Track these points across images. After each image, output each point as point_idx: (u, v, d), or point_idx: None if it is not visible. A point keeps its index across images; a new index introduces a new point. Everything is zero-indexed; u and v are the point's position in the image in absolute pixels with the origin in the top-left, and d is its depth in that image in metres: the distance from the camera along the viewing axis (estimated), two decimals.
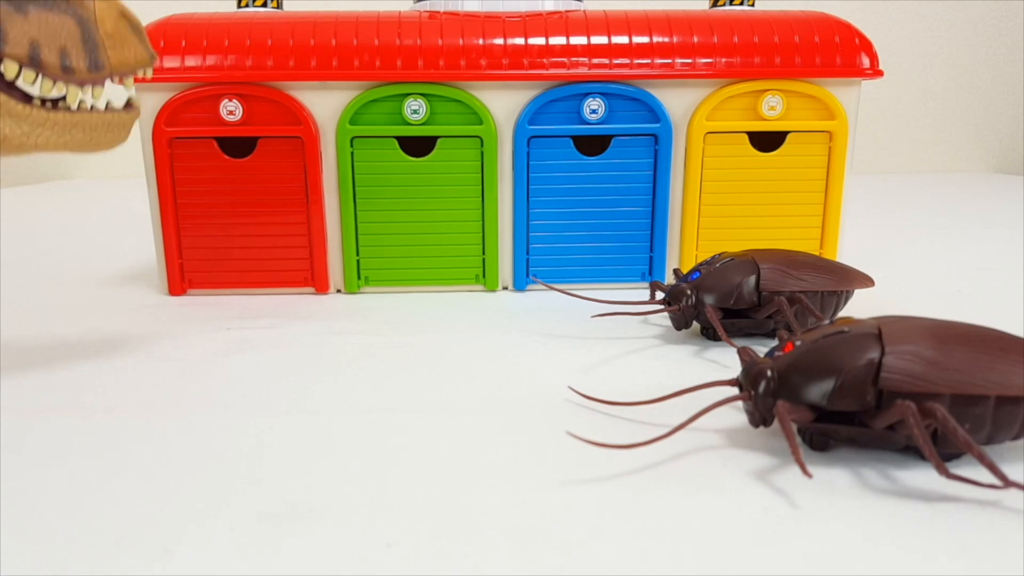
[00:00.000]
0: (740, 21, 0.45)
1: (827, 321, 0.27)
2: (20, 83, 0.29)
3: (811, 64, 0.44)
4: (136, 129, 0.54)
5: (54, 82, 0.29)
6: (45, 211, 0.76)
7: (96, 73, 0.29)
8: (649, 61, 0.44)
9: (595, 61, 0.43)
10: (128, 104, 0.32)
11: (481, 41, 0.43)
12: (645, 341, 0.37)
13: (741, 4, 0.48)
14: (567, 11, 0.46)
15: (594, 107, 0.44)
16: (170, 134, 0.43)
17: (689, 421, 0.24)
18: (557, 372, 0.33)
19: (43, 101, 0.29)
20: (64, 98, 0.30)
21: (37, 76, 0.28)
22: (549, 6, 0.46)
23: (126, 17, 0.30)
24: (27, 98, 0.29)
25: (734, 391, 0.30)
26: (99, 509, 0.22)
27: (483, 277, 0.46)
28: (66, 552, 0.20)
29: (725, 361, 0.35)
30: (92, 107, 0.30)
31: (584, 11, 0.45)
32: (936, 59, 1.19)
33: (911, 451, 0.25)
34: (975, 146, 1.23)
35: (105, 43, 0.29)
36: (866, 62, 0.44)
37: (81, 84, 0.29)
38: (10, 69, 0.28)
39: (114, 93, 0.31)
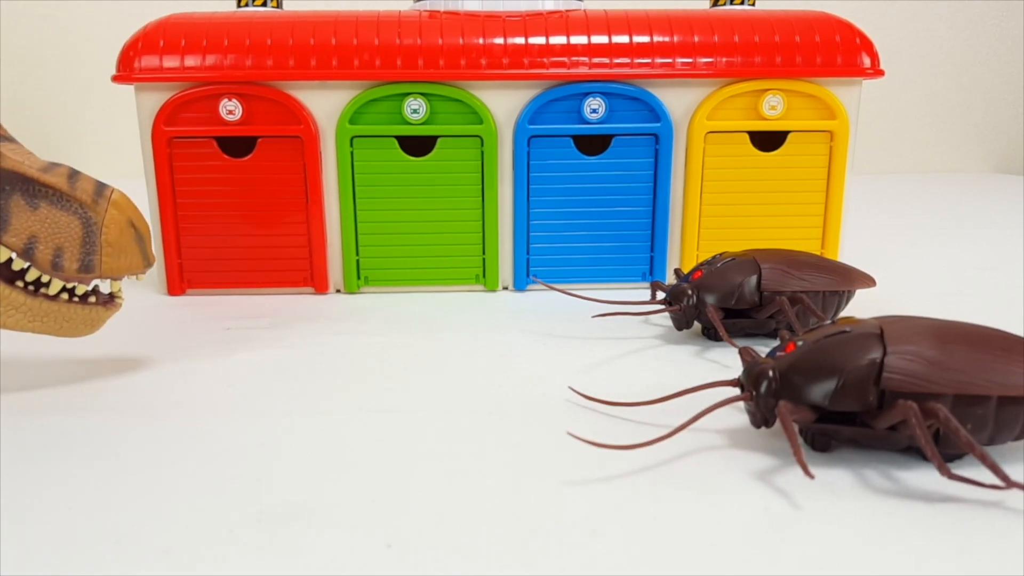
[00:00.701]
0: (741, 21, 0.45)
1: (829, 321, 0.27)
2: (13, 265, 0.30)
3: (812, 64, 0.44)
4: (137, 129, 0.53)
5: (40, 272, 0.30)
6: None
7: (85, 274, 0.30)
8: (649, 60, 0.43)
9: (595, 60, 0.43)
10: (111, 297, 0.32)
11: (481, 41, 0.43)
12: (646, 341, 0.37)
13: (742, 4, 0.48)
14: (567, 10, 0.45)
15: (594, 107, 0.44)
16: (169, 134, 0.43)
17: (690, 421, 0.24)
18: (557, 372, 0.33)
19: (26, 284, 0.30)
20: (45, 284, 0.30)
21: (27, 266, 0.30)
22: (549, 5, 0.46)
23: (134, 226, 0.31)
24: (11, 279, 0.30)
25: (735, 391, 0.30)
26: (99, 509, 0.22)
27: (483, 277, 0.46)
28: (66, 552, 0.20)
29: (726, 361, 0.35)
30: (72, 297, 0.31)
31: (584, 10, 0.45)
32: (936, 59, 1.18)
33: (913, 451, 0.25)
34: (976, 146, 1.23)
35: (104, 249, 0.30)
36: (867, 62, 0.44)
37: (67, 281, 0.30)
38: (2, 254, 0.29)
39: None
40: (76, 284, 0.31)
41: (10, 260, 0.30)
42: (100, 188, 0.30)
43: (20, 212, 0.29)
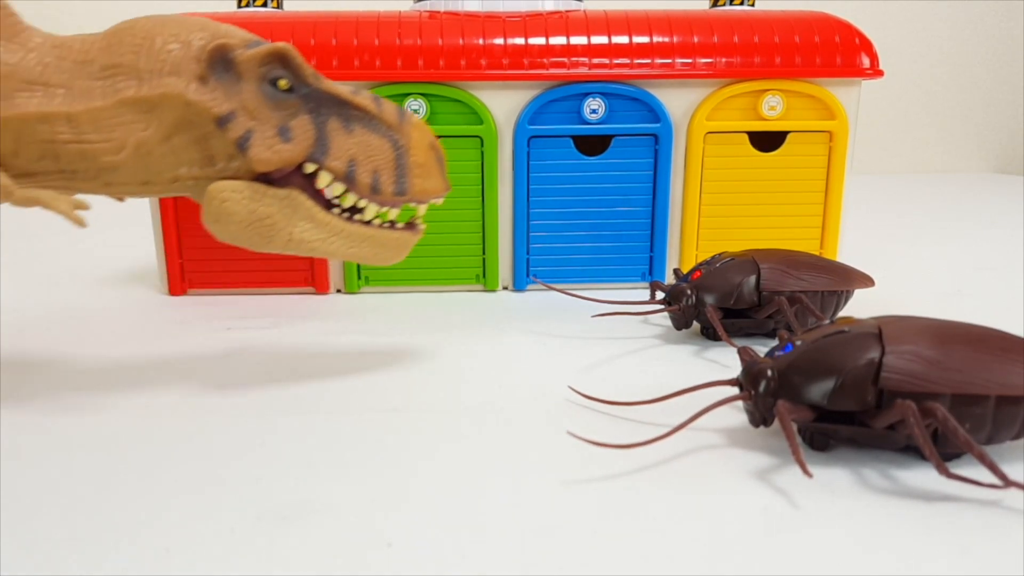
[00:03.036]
0: (740, 21, 0.45)
1: (827, 321, 0.27)
2: (326, 192, 0.30)
3: (811, 64, 0.44)
4: None
5: (358, 197, 0.30)
6: (45, 211, 0.76)
7: (399, 197, 0.30)
8: (649, 61, 0.44)
9: (595, 61, 0.43)
10: (411, 224, 0.32)
11: (481, 41, 0.43)
12: (645, 341, 0.37)
13: (741, 4, 0.48)
14: (567, 11, 0.46)
15: (594, 107, 0.44)
16: None
17: (689, 421, 0.24)
18: (557, 372, 0.33)
19: (341, 210, 0.30)
20: (359, 209, 0.30)
21: (346, 191, 0.30)
22: (549, 6, 0.46)
23: (435, 148, 0.31)
24: (328, 205, 0.30)
25: (734, 391, 0.30)
26: (99, 509, 0.22)
27: (483, 277, 0.46)
28: (66, 552, 0.20)
29: (725, 361, 0.35)
30: (383, 223, 0.31)
31: (584, 11, 0.45)
32: (936, 59, 1.18)
33: (911, 451, 0.25)
34: (975, 146, 1.23)
35: (414, 171, 0.30)
36: (866, 62, 0.44)
37: (382, 205, 0.30)
38: (323, 179, 0.29)
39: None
40: (388, 209, 0.31)
41: (323, 190, 0.30)
42: (401, 110, 0.30)
43: (338, 135, 0.29)
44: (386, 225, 0.31)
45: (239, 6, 0.47)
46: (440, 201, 0.32)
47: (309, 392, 0.31)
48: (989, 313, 0.42)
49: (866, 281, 0.38)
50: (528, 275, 0.47)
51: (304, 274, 0.46)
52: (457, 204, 0.45)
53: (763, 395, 0.25)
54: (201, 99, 0.27)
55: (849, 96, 0.45)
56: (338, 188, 0.29)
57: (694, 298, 0.36)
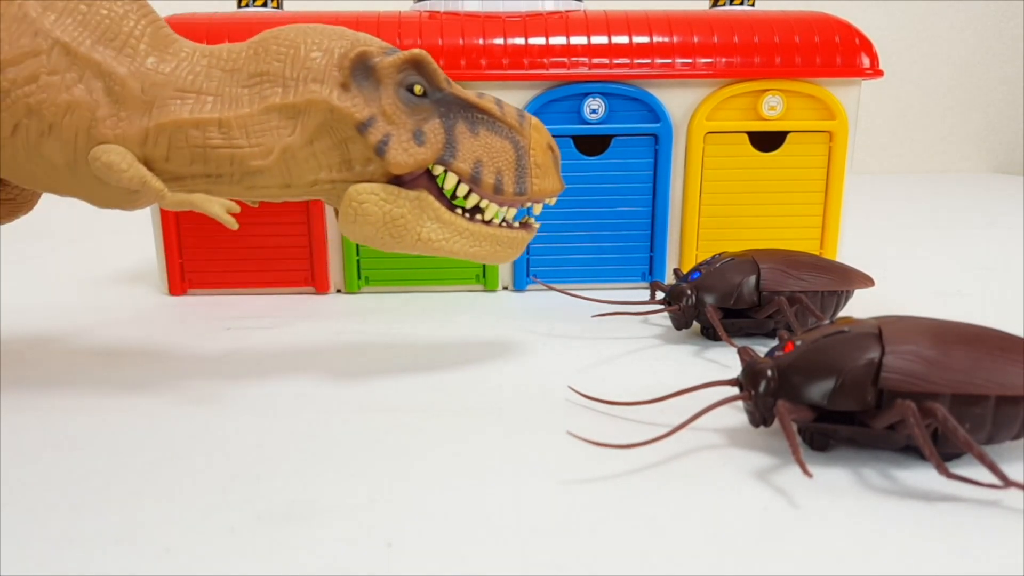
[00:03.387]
0: (740, 21, 0.45)
1: (827, 321, 0.27)
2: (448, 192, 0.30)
3: (811, 64, 0.44)
4: None
5: (480, 198, 0.31)
6: (45, 211, 0.76)
7: (519, 197, 0.31)
8: (649, 61, 0.44)
9: (595, 61, 0.43)
10: (526, 223, 0.33)
11: (481, 41, 0.43)
12: (645, 341, 0.37)
13: (741, 4, 0.48)
14: (567, 11, 0.46)
15: (594, 107, 0.44)
16: None
17: (689, 421, 0.24)
18: (557, 372, 0.33)
19: (463, 210, 0.31)
20: (479, 210, 0.31)
21: (469, 191, 0.30)
22: (549, 6, 0.46)
23: (552, 149, 0.32)
24: (451, 206, 0.31)
25: (734, 391, 0.30)
26: (99, 509, 0.22)
27: (483, 277, 0.46)
28: (66, 552, 0.20)
29: (725, 361, 0.35)
30: (501, 223, 0.32)
31: (584, 11, 0.45)
32: (936, 59, 1.18)
33: (911, 451, 0.25)
34: (975, 146, 1.23)
35: (533, 171, 0.31)
36: (866, 62, 0.44)
37: (501, 205, 0.31)
38: (450, 180, 0.30)
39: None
40: (507, 209, 0.31)
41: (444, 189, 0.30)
42: (521, 112, 0.31)
43: (464, 138, 0.30)
44: (504, 224, 0.32)
45: (239, 6, 0.47)
46: (554, 201, 0.33)
47: (309, 392, 0.31)
48: (989, 313, 0.42)
49: (866, 281, 0.38)
50: (528, 275, 0.47)
51: (304, 274, 0.46)
52: None
53: (763, 395, 0.25)
54: (344, 105, 0.28)
55: (849, 96, 0.45)
56: (463, 189, 0.30)
57: (694, 298, 0.36)
